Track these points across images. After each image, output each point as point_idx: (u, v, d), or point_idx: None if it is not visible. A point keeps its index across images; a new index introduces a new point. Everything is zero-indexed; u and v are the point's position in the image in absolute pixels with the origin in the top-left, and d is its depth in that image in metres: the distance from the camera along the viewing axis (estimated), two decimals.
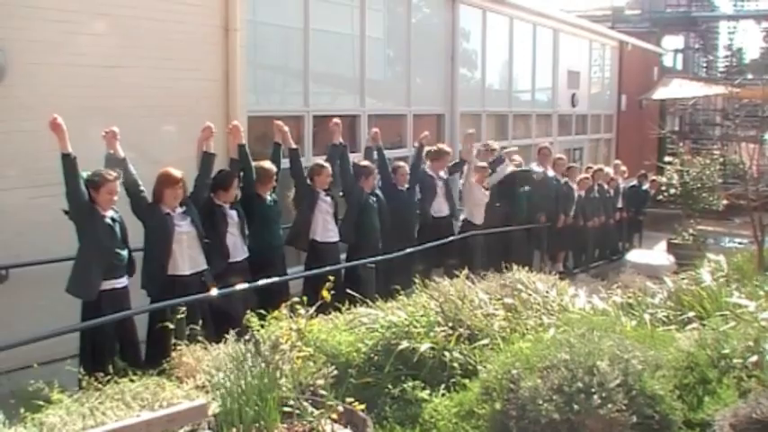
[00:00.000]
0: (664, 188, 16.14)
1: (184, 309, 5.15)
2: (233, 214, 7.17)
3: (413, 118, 12.73)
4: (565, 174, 13.13)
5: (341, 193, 8.73)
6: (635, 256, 13.78)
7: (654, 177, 16.68)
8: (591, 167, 14.23)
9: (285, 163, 8.22)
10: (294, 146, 8.21)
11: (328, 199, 8.28)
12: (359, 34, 11.42)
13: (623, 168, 15.73)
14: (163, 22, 8.06)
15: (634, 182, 16.18)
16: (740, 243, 16.65)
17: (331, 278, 4.55)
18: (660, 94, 24.54)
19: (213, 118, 7.70)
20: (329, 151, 8.71)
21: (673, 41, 31.55)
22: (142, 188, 6.39)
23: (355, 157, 9.46)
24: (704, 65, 32.01)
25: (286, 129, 8.06)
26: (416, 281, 6.26)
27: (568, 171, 13.26)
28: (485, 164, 10.97)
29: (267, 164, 7.64)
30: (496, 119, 15.76)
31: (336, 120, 8.73)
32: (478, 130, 13.13)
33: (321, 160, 8.61)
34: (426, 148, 10.20)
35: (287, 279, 7.56)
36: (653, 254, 14.60)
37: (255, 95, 9.56)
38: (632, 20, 28.19)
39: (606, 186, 14.33)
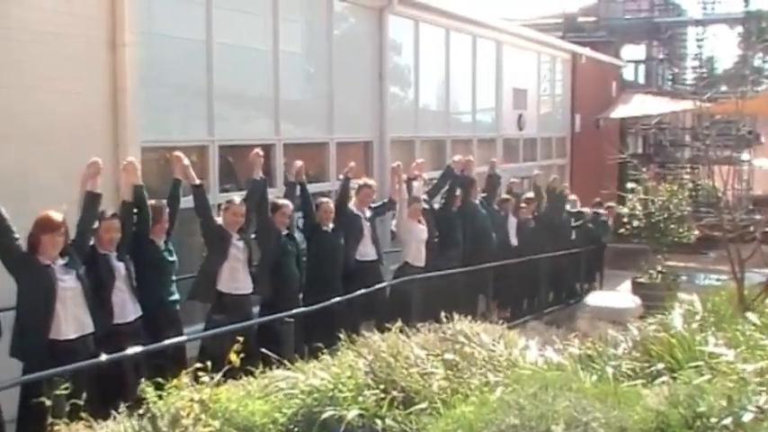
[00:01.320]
0: (626, 220, 16.43)
1: (67, 381, 5.00)
2: (120, 266, 7.08)
3: (336, 147, 12.84)
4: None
5: (253, 235, 8.68)
6: (595, 298, 14.02)
7: (610, 204, 17.08)
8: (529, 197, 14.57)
9: (188, 202, 8.17)
10: (198, 181, 8.20)
11: (240, 243, 8.26)
12: (272, 49, 11.48)
13: (572, 197, 16.16)
14: (40, 35, 7.97)
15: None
16: (717, 280, 17.06)
17: (239, 338, 4.50)
18: (620, 112, 25.33)
19: (99, 149, 7.63)
20: (249, 187, 8.71)
21: (633, 51, 32.57)
22: (16, 235, 6.24)
23: (271, 194, 9.53)
24: (670, 77, 32.88)
25: (187, 162, 8.04)
26: (342, 337, 6.22)
27: (505, 202, 13.63)
28: (419, 195, 11.20)
29: (159, 202, 7.64)
30: (432, 145, 16.07)
31: (259, 150, 8.80)
32: (411, 158, 13.27)
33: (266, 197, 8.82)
34: (353, 182, 10.31)
35: (188, 339, 7.46)
36: (616, 296, 14.88)
37: (150, 122, 9.48)
38: (587, 28, 29.02)
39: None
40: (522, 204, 13.86)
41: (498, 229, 13.00)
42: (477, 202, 12.61)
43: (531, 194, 14.42)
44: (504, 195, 13.79)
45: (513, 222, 13.64)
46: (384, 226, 12.06)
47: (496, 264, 12.56)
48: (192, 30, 10.24)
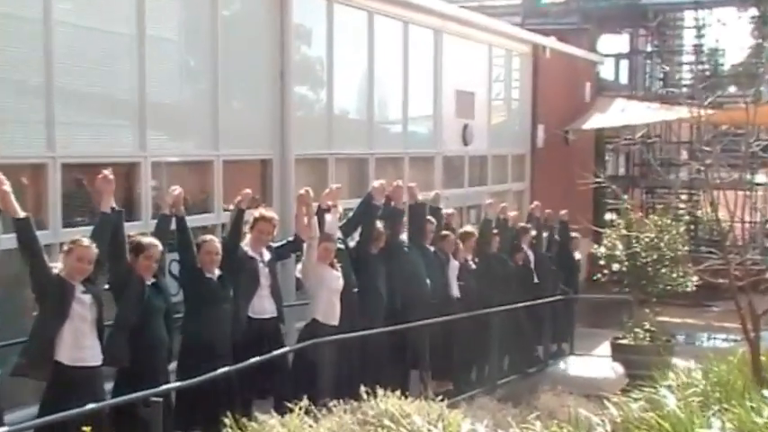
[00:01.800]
0: (603, 263, 16.50)
1: None
2: None
3: (223, 165, 12.71)
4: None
5: (107, 286, 8.54)
6: (564, 366, 14.32)
7: (574, 234, 17.46)
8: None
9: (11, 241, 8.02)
10: (21, 214, 8.03)
11: (87, 297, 8.16)
12: (136, 33, 11.35)
13: (533, 233, 16.23)
14: None
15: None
16: (725, 341, 17.25)
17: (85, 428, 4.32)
18: (595, 122, 25.59)
19: None
20: (97, 223, 8.64)
21: (613, 43, 32.75)
22: None
23: (133, 229, 9.49)
24: (660, 77, 32.73)
25: (7, 187, 7.91)
26: (228, 421, 6.12)
27: (443, 240, 13.66)
28: (333, 231, 11.23)
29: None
30: (351, 165, 15.99)
31: (108, 172, 8.72)
32: (324, 183, 13.19)
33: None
34: (247, 214, 10.27)
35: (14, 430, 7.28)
36: (590, 362, 15.14)
37: None
38: (553, 13, 29.23)
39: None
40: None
41: (435, 275, 12.96)
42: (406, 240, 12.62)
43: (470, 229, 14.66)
44: (444, 231, 13.74)
45: (454, 267, 13.67)
46: (287, 272, 12.02)
47: (433, 321, 12.45)
48: (24, 4, 10.03)
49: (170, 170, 11.58)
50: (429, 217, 13.14)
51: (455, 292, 13.60)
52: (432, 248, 13.29)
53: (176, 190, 9.61)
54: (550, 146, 23.74)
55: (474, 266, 14.14)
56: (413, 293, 12.40)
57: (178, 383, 8.58)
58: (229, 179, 12.53)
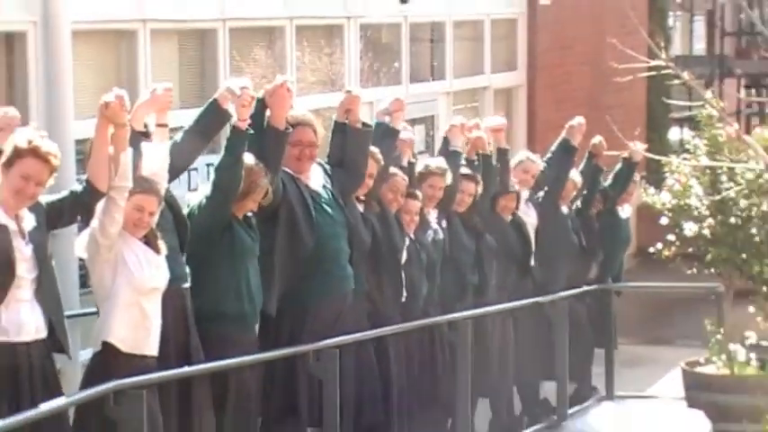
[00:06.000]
0: (666, 221, 12.53)
1: None
2: None
3: None
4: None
5: None
6: (596, 417, 10.88)
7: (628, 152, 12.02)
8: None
9: None
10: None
11: None
12: None
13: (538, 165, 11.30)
14: None
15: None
16: None
17: None
18: None
19: None
20: None
21: None
22: None
23: None
24: None
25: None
26: None
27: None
28: None
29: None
30: (184, 40, 11.34)
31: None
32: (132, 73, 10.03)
33: None
34: None
35: None
36: (646, 410, 11.43)
37: None
38: None
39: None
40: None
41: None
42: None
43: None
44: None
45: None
46: (63, 252, 8.30)
47: (345, 339, 8.58)
48: None
49: None
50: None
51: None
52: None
53: None
54: (566, 0, 16.70)
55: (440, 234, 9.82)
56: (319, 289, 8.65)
57: None
58: None
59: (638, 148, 11.53)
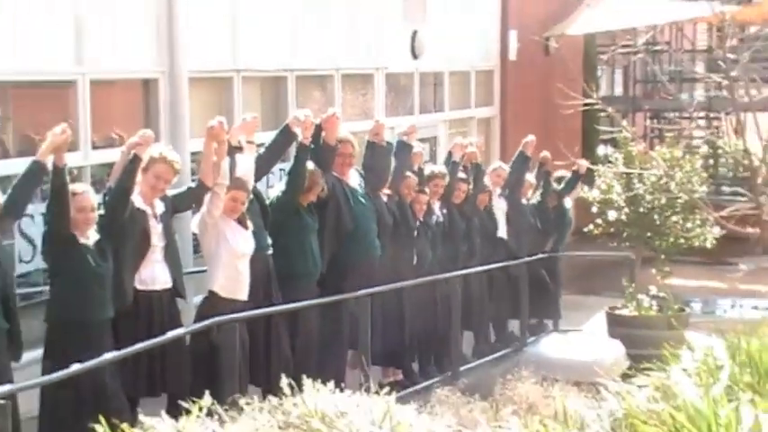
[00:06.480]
0: (596, 209, 14.81)
1: None
2: None
3: (90, 86, 10.71)
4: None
5: None
6: (547, 344, 12.66)
7: (561, 174, 14.12)
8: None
9: None
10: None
11: None
12: None
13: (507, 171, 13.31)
14: None
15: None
16: (754, 308, 15.54)
17: None
18: (584, 24, 20.13)
19: None
20: None
21: None
22: None
23: None
24: None
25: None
26: (100, 428, 5.22)
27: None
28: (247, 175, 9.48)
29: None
30: (264, 85, 13.73)
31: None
32: (230, 109, 11.91)
33: None
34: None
35: None
36: (581, 340, 12.99)
37: None
38: None
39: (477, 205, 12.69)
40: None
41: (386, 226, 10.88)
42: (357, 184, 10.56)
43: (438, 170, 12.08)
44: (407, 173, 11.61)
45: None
46: (182, 228, 9.93)
47: (374, 290, 10.34)
48: None
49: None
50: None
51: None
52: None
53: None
54: (526, 57, 19.42)
55: (441, 218, 12.01)
56: (356, 256, 10.35)
57: (36, 381, 7.21)
58: (97, 102, 10.74)
59: (583, 164, 13.87)
